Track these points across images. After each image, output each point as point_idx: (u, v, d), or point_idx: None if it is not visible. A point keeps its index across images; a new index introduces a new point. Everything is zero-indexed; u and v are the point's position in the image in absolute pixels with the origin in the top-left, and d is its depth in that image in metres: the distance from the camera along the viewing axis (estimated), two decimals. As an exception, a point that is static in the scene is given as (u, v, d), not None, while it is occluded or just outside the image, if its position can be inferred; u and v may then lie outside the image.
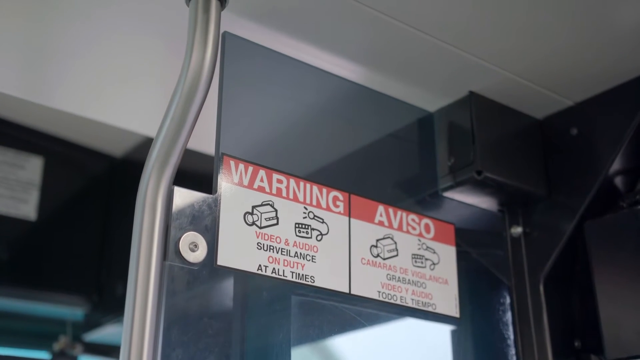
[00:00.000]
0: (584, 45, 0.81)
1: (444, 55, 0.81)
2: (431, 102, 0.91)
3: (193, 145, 0.75)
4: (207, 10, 0.65)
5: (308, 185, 0.74)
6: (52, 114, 1.23)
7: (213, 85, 0.67)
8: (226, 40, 0.73)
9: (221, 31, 0.70)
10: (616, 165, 0.84)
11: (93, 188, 1.46)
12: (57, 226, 1.39)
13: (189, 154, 0.67)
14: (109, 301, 1.37)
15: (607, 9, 0.76)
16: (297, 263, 0.70)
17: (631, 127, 0.83)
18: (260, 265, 0.67)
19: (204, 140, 0.87)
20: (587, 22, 0.77)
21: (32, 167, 1.39)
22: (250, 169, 0.70)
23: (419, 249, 0.81)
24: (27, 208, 1.36)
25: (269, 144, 0.78)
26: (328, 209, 0.74)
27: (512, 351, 0.87)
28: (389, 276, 0.77)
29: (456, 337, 0.84)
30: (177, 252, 0.61)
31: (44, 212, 1.38)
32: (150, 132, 1.04)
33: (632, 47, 0.81)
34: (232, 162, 0.69)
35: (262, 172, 0.71)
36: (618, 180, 0.86)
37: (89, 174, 1.47)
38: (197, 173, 0.86)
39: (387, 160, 0.88)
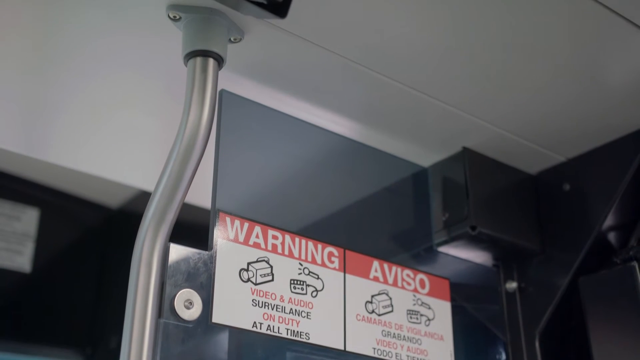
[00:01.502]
0: (575, 103, 0.82)
1: (438, 113, 0.83)
2: (425, 157, 0.92)
3: (188, 198, 0.75)
4: (204, 69, 0.66)
5: (303, 241, 0.74)
6: (49, 167, 1.24)
7: (210, 141, 0.68)
8: (223, 98, 0.74)
9: (218, 89, 0.71)
10: (609, 221, 0.85)
11: (89, 239, 1.46)
12: (52, 278, 1.39)
13: (184, 207, 0.67)
14: (103, 355, 1.36)
15: (598, 68, 0.77)
16: (292, 320, 0.70)
17: (623, 184, 0.84)
18: (255, 322, 0.67)
19: (199, 194, 0.88)
20: (578, 81, 0.79)
21: (28, 218, 1.39)
22: (246, 225, 0.70)
23: (414, 304, 0.81)
24: (21, 260, 1.36)
25: (265, 199, 0.78)
26: (323, 264, 0.75)
27: (509, 408, 0.87)
28: (384, 332, 0.77)
29: (452, 394, 0.84)
30: (172, 310, 0.61)
31: (38, 264, 1.37)
32: (147, 185, 1.04)
33: (622, 105, 0.82)
34: (227, 219, 0.69)
35: (257, 228, 0.71)
36: (611, 236, 0.86)
37: (84, 225, 1.47)
38: (192, 225, 0.87)
39: (382, 215, 0.89)
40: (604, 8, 0.68)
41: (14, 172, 1.37)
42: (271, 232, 0.72)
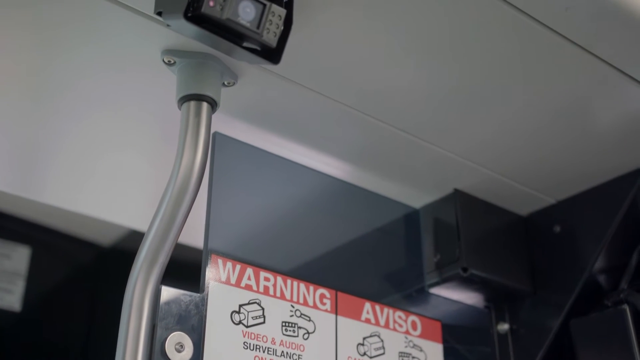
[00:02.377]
0: (565, 147, 0.83)
1: (429, 155, 0.83)
2: (417, 198, 0.92)
3: (181, 239, 0.75)
4: (198, 113, 0.67)
5: (295, 283, 0.74)
6: (39, 205, 1.23)
7: (203, 183, 0.68)
8: (216, 140, 0.75)
9: (212, 131, 0.71)
10: (600, 264, 0.85)
11: (80, 278, 1.45)
12: (42, 317, 1.37)
13: (176, 246, 0.67)
14: (91, 395, 1.34)
15: (588, 115, 0.78)
16: (284, 363, 0.70)
17: (613, 226, 0.84)
18: (246, 366, 0.67)
19: (191, 234, 0.88)
20: (569, 127, 0.80)
21: (19, 256, 1.38)
22: (238, 267, 0.71)
23: (406, 346, 0.80)
24: (11, 298, 1.35)
25: (257, 240, 0.78)
26: (315, 306, 0.75)
27: None
28: (375, 375, 0.76)
29: None
30: (163, 353, 0.61)
31: (29, 302, 1.36)
32: (140, 226, 1.04)
33: (612, 149, 0.83)
34: (220, 261, 0.69)
35: (249, 270, 0.71)
36: (602, 279, 0.86)
37: (75, 263, 1.46)
38: (183, 264, 0.87)
39: (374, 256, 0.89)
40: (594, 58, 0.70)
41: (3, 210, 1.37)
42: (263, 274, 0.72)
